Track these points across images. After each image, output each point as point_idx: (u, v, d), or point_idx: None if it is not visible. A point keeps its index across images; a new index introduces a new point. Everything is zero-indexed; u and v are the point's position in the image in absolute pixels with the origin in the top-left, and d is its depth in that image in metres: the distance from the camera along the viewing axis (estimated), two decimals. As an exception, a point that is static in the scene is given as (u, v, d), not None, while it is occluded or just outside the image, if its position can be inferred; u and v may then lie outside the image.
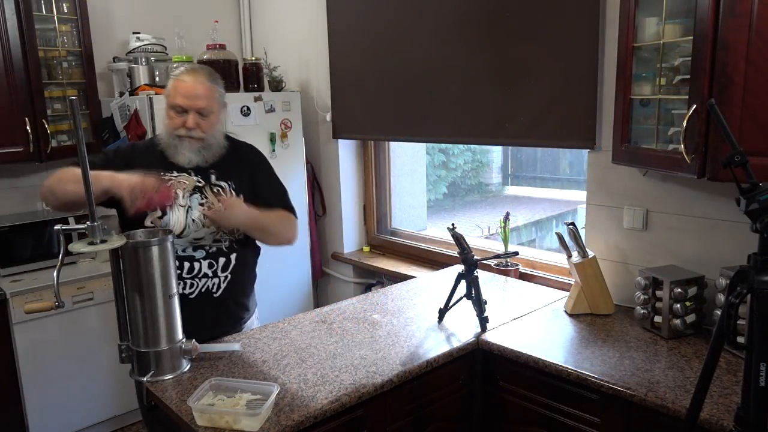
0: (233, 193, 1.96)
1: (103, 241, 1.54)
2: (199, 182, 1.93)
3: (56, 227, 1.59)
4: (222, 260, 1.94)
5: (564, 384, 1.81)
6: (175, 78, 1.88)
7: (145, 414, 1.92)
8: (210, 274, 1.93)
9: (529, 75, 2.47)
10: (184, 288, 1.90)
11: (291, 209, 2.07)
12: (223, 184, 1.96)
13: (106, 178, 1.68)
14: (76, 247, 1.52)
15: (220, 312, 1.99)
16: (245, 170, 2.03)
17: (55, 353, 2.88)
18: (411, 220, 3.62)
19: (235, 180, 1.98)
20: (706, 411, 1.49)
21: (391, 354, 1.89)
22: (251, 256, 2.05)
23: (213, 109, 1.90)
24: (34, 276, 2.94)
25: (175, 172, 1.91)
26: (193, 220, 1.89)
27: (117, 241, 1.58)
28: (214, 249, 1.92)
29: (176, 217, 1.88)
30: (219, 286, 1.95)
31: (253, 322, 2.17)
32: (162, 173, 1.88)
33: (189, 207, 1.89)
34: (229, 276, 1.96)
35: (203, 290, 1.93)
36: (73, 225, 1.63)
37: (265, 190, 2.05)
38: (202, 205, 1.90)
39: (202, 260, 1.91)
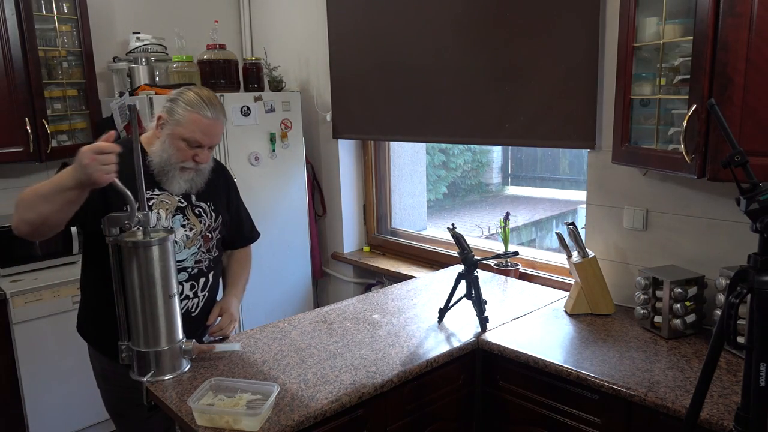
0: (213, 214, 1.95)
1: (155, 232, 1.68)
2: (181, 203, 1.88)
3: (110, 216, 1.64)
4: (202, 280, 1.93)
5: (564, 384, 1.81)
6: (197, 113, 1.78)
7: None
8: (191, 295, 1.91)
9: (529, 75, 2.47)
10: None
11: (255, 234, 2.21)
12: (203, 205, 1.94)
13: (69, 172, 1.52)
14: (133, 236, 1.62)
15: (194, 329, 1.96)
16: (223, 192, 2.03)
17: (55, 353, 2.88)
18: (411, 220, 3.62)
19: (214, 200, 1.97)
20: (706, 411, 1.49)
21: (391, 354, 1.89)
22: (220, 270, 2.06)
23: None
24: (34, 276, 2.94)
25: (157, 190, 1.84)
26: (176, 242, 1.85)
27: (165, 232, 1.69)
28: (195, 270, 1.90)
29: None
30: (198, 306, 1.94)
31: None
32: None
33: (171, 228, 1.84)
34: (207, 294, 1.96)
35: (183, 311, 1.88)
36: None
37: (242, 214, 2.15)
38: (184, 226, 1.87)
39: (184, 283, 1.88)
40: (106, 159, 1.49)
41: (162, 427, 1.86)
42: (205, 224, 1.92)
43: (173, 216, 1.86)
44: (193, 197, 1.91)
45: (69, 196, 1.54)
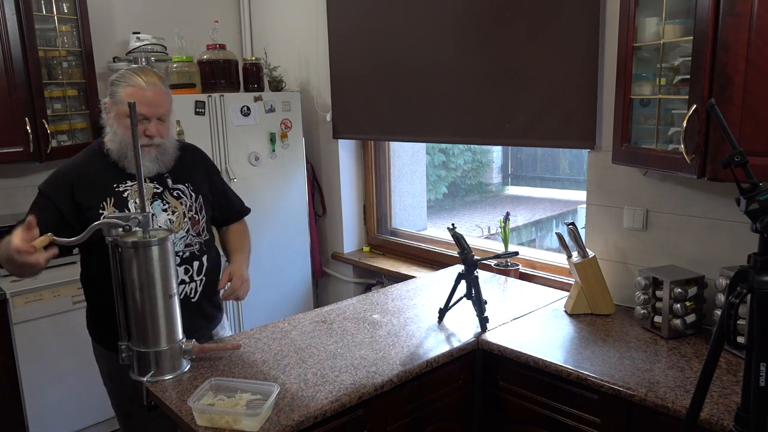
0: (192, 194, 1.95)
1: (155, 232, 1.68)
2: (157, 188, 1.88)
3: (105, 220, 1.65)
4: (196, 264, 1.93)
5: (564, 384, 1.81)
6: (130, 84, 1.78)
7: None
8: (187, 280, 1.91)
9: (529, 75, 2.47)
10: None
11: (246, 208, 2.23)
12: (181, 186, 1.93)
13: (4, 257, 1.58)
14: (133, 236, 1.63)
15: (198, 315, 1.97)
16: (200, 172, 2.02)
17: (55, 353, 2.88)
18: (411, 220, 3.62)
19: (192, 181, 1.97)
20: (706, 411, 1.49)
21: (391, 354, 1.89)
22: (217, 255, 2.06)
23: (169, 112, 1.86)
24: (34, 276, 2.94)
25: (128, 181, 1.84)
26: (160, 227, 1.85)
27: (164, 233, 1.68)
28: (187, 254, 1.90)
29: None
30: (196, 290, 1.94)
31: (224, 323, 2.16)
32: (116, 185, 1.83)
33: (153, 215, 1.84)
34: (204, 278, 1.95)
35: (182, 297, 1.88)
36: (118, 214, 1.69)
37: (229, 192, 2.16)
38: (165, 210, 1.88)
39: (177, 267, 1.86)
40: (29, 261, 1.52)
41: (167, 429, 1.86)
42: (186, 205, 1.92)
43: (152, 202, 1.86)
44: (170, 181, 1.91)
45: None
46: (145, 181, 1.85)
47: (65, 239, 1.61)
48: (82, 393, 2.98)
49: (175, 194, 1.92)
